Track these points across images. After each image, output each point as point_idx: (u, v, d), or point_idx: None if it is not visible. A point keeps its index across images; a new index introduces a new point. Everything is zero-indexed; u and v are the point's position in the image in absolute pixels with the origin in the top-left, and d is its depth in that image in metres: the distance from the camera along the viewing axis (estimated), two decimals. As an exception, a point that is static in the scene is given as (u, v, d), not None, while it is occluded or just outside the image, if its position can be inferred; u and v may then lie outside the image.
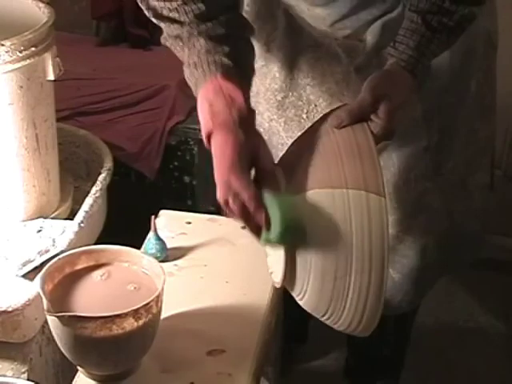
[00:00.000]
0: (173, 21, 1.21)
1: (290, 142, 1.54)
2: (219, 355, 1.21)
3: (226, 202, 1.11)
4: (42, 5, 1.57)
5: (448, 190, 1.56)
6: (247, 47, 1.27)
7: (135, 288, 1.17)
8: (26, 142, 1.53)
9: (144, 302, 1.09)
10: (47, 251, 1.46)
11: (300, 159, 1.16)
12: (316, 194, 1.11)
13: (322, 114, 1.26)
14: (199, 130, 2.27)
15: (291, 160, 1.18)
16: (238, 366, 1.19)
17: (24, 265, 1.43)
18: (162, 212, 1.55)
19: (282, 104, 1.55)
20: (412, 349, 1.94)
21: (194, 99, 2.28)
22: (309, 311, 1.19)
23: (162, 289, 1.13)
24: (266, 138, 1.58)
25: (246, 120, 1.13)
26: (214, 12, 1.20)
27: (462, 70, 1.47)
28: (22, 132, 1.51)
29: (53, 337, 1.13)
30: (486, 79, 1.54)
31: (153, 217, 1.40)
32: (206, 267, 1.40)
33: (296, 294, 1.18)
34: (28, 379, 1.34)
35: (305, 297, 1.16)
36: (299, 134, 1.42)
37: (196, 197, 2.24)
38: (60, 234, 1.53)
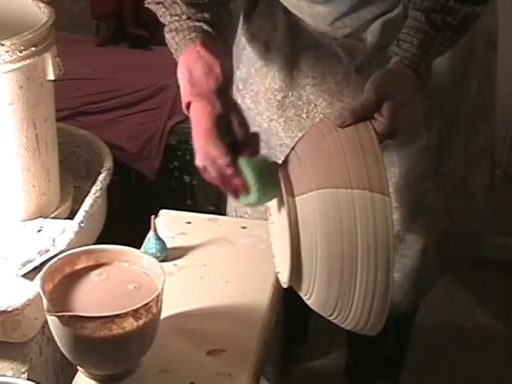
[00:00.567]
0: None
1: (289, 142, 1.54)
2: (219, 355, 1.21)
3: (205, 169, 1.17)
4: (42, 5, 1.57)
5: (448, 190, 1.56)
6: (227, 14, 1.32)
7: (135, 288, 1.17)
8: (26, 141, 1.53)
9: (144, 302, 1.09)
10: (47, 251, 1.46)
11: (303, 159, 1.16)
12: (321, 194, 1.11)
13: (321, 114, 1.27)
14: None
15: (295, 160, 1.18)
16: (238, 365, 1.19)
17: (24, 265, 1.43)
18: (162, 212, 1.55)
19: (281, 104, 1.55)
20: (412, 349, 1.94)
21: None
22: (316, 311, 1.19)
23: (162, 289, 1.13)
24: (264, 138, 1.59)
25: (223, 89, 1.18)
26: None
27: (462, 70, 1.48)
28: (22, 132, 1.51)
29: (53, 337, 1.13)
30: (486, 79, 1.54)
31: (153, 217, 1.40)
32: (206, 267, 1.40)
33: (303, 294, 1.18)
34: (28, 379, 1.34)
35: (312, 297, 1.16)
36: (299, 134, 1.42)
37: (196, 197, 2.24)
38: (60, 233, 1.53)
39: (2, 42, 1.41)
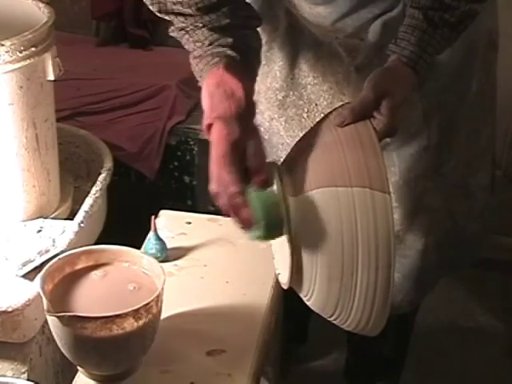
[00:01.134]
0: (177, 14, 1.22)
1: (290, 141, 1.54)
2: (219, 355, 1.21)
3: (217, 195, 1.13)
4: (41, 5, 1.57)
5: (449, 190, 1.56)
6: (253, 37, 1.27)
7: (135, 288, 1.17)
8: (26, 142, 1.53)
9: (144, 302, 1.09)
10: (47, 251, 1.46)
11: (303, 158, 1.16)
12: (320, 193, 1.10)
13: (322, 114, 1.26)
14: (199, 130, 2.29)
15: (295, 159, 1.18)
16: (238, 366, 1.19)
17: (24, 265, 1.43)
18: (162, 212, 1.55)
19: (282, 103, 1.55)
20: (412, 349, 1.94)
21: (194, 99, 2.28)
22: (317, 312, 1.19)
23: (162, 289, 1.13)
24: (266, 137, 1.59)
25: (244, 114, 1.14)
26: (218, 4, 1.20)
27: (463, 70, 1.47)
28: (22, 132, 1.51)
29: (53, 337, 1.13)
30: (487, 79, 1.54)
31: (153, 217, 1.40)
32: (206, 267, 1.40)
33: (303, 295, 1.18)
34: (28, 379, 1.34)
35: (312, 297, 1.16)
36: (300, 133, 1.42)
37: (196, 197, 2.24)
38: (60, 233, 1.53)
39: (2, 42, 1.41)
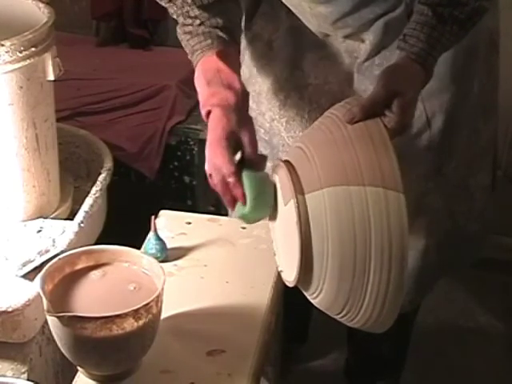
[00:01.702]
0: None
1: (291, 142, 1.54)
2: (219, 355, 1.21)
3: (210, 176, 1.22)
4: (41, 5, 1.57)
5: (449, 191, 1.56)
6: (235, 10, 1.38)
7: (135, 288, 1.17)
8: (26, 142, 1.53)
9: (144, 302, 1.09)
10: (47, 251, 1.46)
11: (311, 155, 1.14)
12: (332, 191, 1.09)
13: (325, 111, 1.25)
14: (199, 130, 2.29)
15: (301, 156, 1.17)
16: (238, 366, 1.19)
17: (24, 265, 1.43)
18: (162, 212, 1.55)
19: (283, 104, 1.55)
20: (412, 349, 1.94)
21: (194, 99, 2.27)
22: (322, 310, 1.18)
23: (162, 289, 1.13)
24: (266, 138, 1.59)
25: (240, 105, 1.23)
26: None
27: (464, 70, 1.47)
28: (22, 132, 1.51)
29: (53, 337, 1.13)
30: (488, 79, 1.54)
31: (153, 217, 1.40)
32: (206, 267, 1.40)
33: (310, 293, 1.17)
34: (28, 379, 1.34)
35: (320, 295, 1.15)
36: (301, 134, 1.41)
37: (196, 197, 2.24)
38: (60, 234, 1.53)
39: (2, 43, 1.41)
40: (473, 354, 2.12)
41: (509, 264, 2.36)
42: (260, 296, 1.33)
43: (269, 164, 1.29)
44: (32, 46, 1.45)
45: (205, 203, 2.28)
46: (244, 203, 1.19)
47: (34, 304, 1.33)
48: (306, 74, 1.52)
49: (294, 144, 1.26)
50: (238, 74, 1.28)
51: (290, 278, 1.18)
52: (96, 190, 1.63)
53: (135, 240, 1.36)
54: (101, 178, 1.67)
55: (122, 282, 1.18)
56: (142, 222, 1.44)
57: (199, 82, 1.27)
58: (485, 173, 1.62)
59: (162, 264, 1.22)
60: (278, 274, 1.33)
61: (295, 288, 1.21)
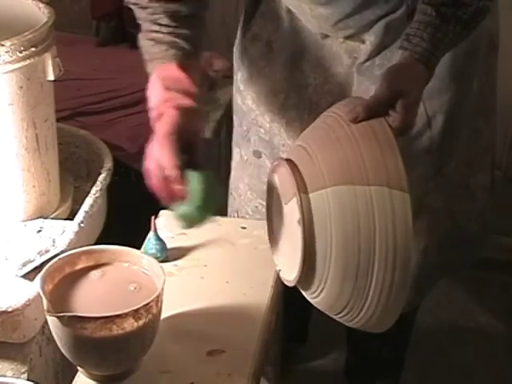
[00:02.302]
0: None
1: (291, 142, 1.54)
2: (219, 355, 1.21)
3: (149, 171, 1.18)
4: (41, 5, 1.57)
5: (449, 191, 1.56)
6: (203, 26, 1.34)
7: (135, 288, 1.17)
8: (26, 142, 1.53)
9: (144, 302, 1.09)
10: (47, 251, 1.46)
11: (314, 154, 1.14)
12: (337, 190, 1.08)
13: (324, 111, 1.25)
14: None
15: (304, 155, 1.16)
16: (238, 366, 1.19)
17: (24, 265, 1.43)
18: (162, 212, 1.54)
19: (283, 105, 1.55)
20: (412, 349, 1.94)
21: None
22: (322, 309, 1.18)
23: (162, 289, 1.13)
24: (267, 138, 1.59)
25: (195, 114, 1.21)
26: None
27: (464, 70, 1.47)
28: (22, 132, 1.51)
29: (53, 337, 1.13)
30: (487, 79, 1.54)
31: (153, 217, 1.40)
32: (206, 267, 1.40)
33: (310, 292, 1.16)
34: (28, 379, 1.34)
35: (320, 295, 1.14)
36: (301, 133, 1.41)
37: (196, 197, 2.23)
38: (60, 234, 1.53)
39: (2, 43, 1.41)
40: (473, 354, 2.12)
41: (509, 264, 2.36)
42: (260, 296, 1.33)
43: (269, 164, 1.29)
44: (32, 46, 1.45)
45: (205, 203, 2.27)
46: (186, 201, 1.15)
47: (34, 304, 1.33)
48: (305, 75, 1.52)
49: (294, 143, 1.25)
50: (196, 86, 1.24)
51: (290, 277, 1.17)
52: (96, 190, 1.63)
53: (135, 240, 1.35)
54: (101, 177, 1.67)
55: (121, 282, 1.18)
56: (142, 222, 1.44)
57: (155, 86, 1.23)
58: (485, 173, 1.62)
59: (162, 264, 1.21)
60: (278, 274, 1.33)
61: (294, 288, 1.21)
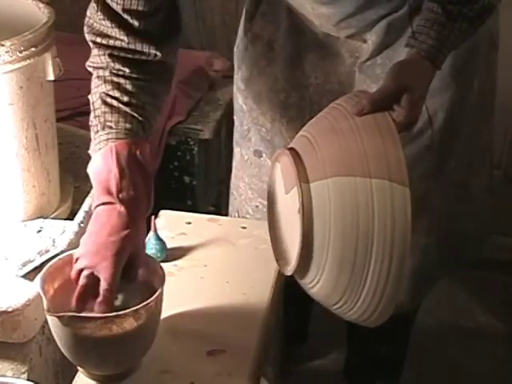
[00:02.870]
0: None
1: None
2: (219, 355, 1.21)
3: (79, 273, 1.11)
4: (41, 5, 1.57)
5: (450, 190, 1.56)
6: (165, 94, 1.28)
7: (135, 288, 1.17)
8: (26, 142, 1.53)
9: (144, 303, 1.09)
10: (47, 251, 1.46)
11: (317, 144, 1.14)
12: (338, 181, 1.09)
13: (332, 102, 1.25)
14: (199, 130, 2.29)
15: (307, 145, 1.16)
16: (238, 366, 1.19)
17: (24, 265, 1.43)
18: (162, 212, 1.55)
19: (284, 104, 1.55)
20: (412, 349, 1.94)
21: (194, 99, 2.26)
22: (318, 300, 1.18)
23: (162, 289, 1.13)
24: (268, 137, 1.59)
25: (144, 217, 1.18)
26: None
27: (465, 69, 1.47)
28: (22, 132, 1.51)
29: (53, 337, 1.13)
30: (488, 78, 1.54)
31: (153, 217, 1.40)
32: (206, 267, 1.40)
33: (307, 282, 1.16)
34: (28, 379, 1.34)
35: (317, 285, 1.14)
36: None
37: (196, 197, 2.24)
38: (60, 234, 1.53)
39: (2, 43, 1.41)
40: (473, 354, 2.12)
41: (509, 264, 2.36)
42: (260, 296, 1.33)
43: (270, 163, 1.29)
44: (32, 46, 1.45)
45: (205, 203, 2.28)
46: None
47: (34, 304, 1.33)
48: (306, 74, 1.52)
49: (299, 133, 1.25)
50: (150, 180, 1.22)
51: (288, 266, 1.17)
52: (96, 190, 1.63)
53: (135, 240, 1.35)
54: (101, 177, 1.67)
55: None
56: (141, 221, 1.44)
57: (107, 162, 1.14)
58: (484, 172, 1.62)
59: (162, 264, 1.21)
60: (278, 274, 1.34)
61: (294, 287, 1.21)
